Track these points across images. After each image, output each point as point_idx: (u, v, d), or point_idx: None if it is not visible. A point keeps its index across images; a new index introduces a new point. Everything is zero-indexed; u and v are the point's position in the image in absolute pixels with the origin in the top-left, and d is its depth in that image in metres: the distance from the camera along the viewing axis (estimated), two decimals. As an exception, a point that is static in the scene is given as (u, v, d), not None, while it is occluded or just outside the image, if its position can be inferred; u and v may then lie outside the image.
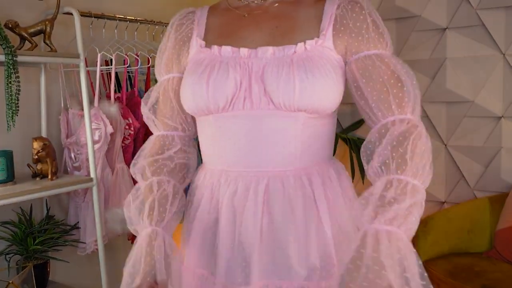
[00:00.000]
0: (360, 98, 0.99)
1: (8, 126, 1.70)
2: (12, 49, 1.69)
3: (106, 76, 2.29)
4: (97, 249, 2.05)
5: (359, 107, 1.00)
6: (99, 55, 2.07)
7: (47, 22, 1.87)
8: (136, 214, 1.00)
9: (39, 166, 1.90)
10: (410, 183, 0.88)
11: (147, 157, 1.08)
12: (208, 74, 0.98)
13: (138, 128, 2.19)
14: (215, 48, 1.03)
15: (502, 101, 2.75)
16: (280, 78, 0.94)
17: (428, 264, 2.52)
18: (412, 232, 0.85)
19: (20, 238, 1.88)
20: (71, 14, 1.95)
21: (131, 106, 2.20)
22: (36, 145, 1.85)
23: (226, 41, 1.04)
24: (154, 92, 1.13)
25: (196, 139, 1.14)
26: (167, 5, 2.69)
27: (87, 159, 2.01)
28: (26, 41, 1.83)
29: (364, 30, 1.00)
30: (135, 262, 0.93)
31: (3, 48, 1.67)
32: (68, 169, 2.11)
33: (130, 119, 2.15)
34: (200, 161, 1.14)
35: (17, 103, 1.72)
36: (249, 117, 0.97)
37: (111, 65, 2.14)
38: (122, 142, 2.15)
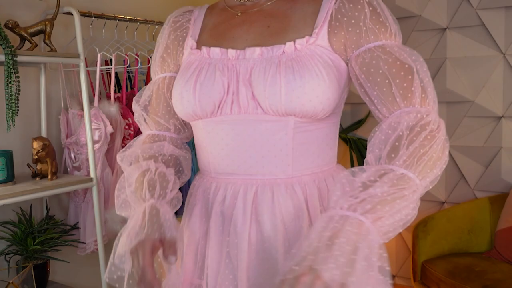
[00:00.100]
0: (364, 96, 0.92)
1: (8, 126, 1.70)
2: (12, 49, 1.68)
3: (106, 76, 2.29)
4: (97, 249, 2.05)
5: (369, 106, 0.93)
6: (99, 55, 2.07)
7: (47, 22, 1.87)
8: (133, 196, 0.95)
9: (39, 166, 1.90)
10: (397, 172, 0.78)
11: (139, 145, 1.03)
12: (195, 78, 0.94)
13: (138, 128, 2.19)
14: (204, 49, 0.99)
15: (502, 101, 2.75)
16: (267, 81, 0.89)
17: (428, 264, 2.52)
18: (386, 224, 0.74)
19: (20, 238, 1.88)
20: (71, 14, 1.95)
21: (131, 106, 2.19)
22: (36, 145, 1.85)
23: (217, 41, 0.99)
24: (147, 91, 1.09)
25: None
26: (167, 5, 2.69)
27: (87, 159, 2.00)
28: (26, 41, 1.82)
29: (361, 22, 0.92)
30: (136, 225, 0.87)
31: (3, 48, 1.67)
32: (68, 169, 2.11)
33: (130, 119, 2.15)
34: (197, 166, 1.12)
35: (17, 103, 1.72)
36: (237, 121, 0.93)
37: (111, 65, 2.14)
38: (122, 142, 2.15)
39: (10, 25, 1.77)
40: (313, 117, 0.91)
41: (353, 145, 3.04)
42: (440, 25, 2.87)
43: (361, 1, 0.93)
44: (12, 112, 1.70)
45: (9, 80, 1.68)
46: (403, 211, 0.76)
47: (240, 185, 0.95)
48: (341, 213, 0.73)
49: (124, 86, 2.25)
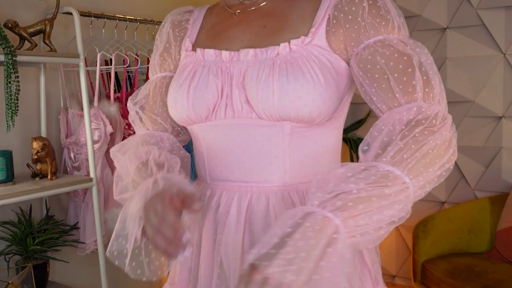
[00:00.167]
0: (364, 95, 0.86)
1: (7, 126, 1.70)
2: (12, 49, 1.68)
3: (105, 76, 2.29)
4: (96, 249, 2.05)
5: (369, 105, 0.87)
6: (98, 55, 2.07)
7: (46, 22, 1.87)
8: (137, 176, 0.90)
9: (38, 166, 1.89)
10: (380, 169, 0.72)
11: (137, 137, 0.99)
12: (189, 82, 0.91)
13: (138, 128, 2.19)
14: (199, 51, 0.95)
15: (503, 101, 2.75)
16: (259, 84, 0.84)
17: (428, 264, 2.52)
18: (361, 224, 0.67)
19: (20, 238, 1.88)
20: (71, 14, 1.95)
21: (131, 106, 2.19)
22: (36, 145, 1.85)
23: (213, 43, 0.96)
24: (143, 90, 1.06)
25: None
26: (167, 5, 2.69)
27: (87, 159, 2.00)
28: (26, 41, 1.82)
29: (360, 17, 0.86)
30: (146, 191, 0.82)
31: (3, 48, 1.67)
32: (68, 169, 2.11)
33: (130, 119, 2.15)
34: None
35: (17, 103, 1.72)
36: (232, 126, 0.88)
37: (111, 65, 2.14)
38: (122, 142, 2.15)
39: (9, 25, 1.76)
40: (309, 122, 0.85)
41: (353, 145, 3.04)
42: (440, 25, 2.87)
43: None
44: (11, 112, 1.70)
45: (9, 80, 1.68)
46: (384, 211, 0.69)
47: (234, 192, 0.91)
48: (307, 209, 0.67)
49: (124, 86, 2.25)
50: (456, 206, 2.75)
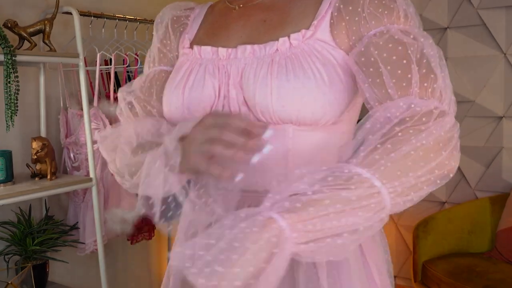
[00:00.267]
0: (362, 94, 0.78)
1: (7, 126, 1.70)
2: (11, 48, 1.68)
3: (105, 75, 2.28)
4: (96, 249, 2.04)
5: (366, 104, 0.79)
6: (98, 54, 2.06)
7: (46, 22, 1.86)
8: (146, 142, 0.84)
9: (38, 166, 1.89)
10: (345, 170, 0.62)
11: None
12: (184, 83, 0.86)
13: (138, 128, 2.18)
14: (196, 49, 0.89)
15: (503, 101, 2.75)
16: (257, 83, 0.78)
17: (428, 265, 2.52)
18: (309, 230, 0.58)
19: (19, 239, 1.87)
20: (70, 13, 1.95)
21: (130, 106, 2.19)
22: (35, 145, 1.84)
23: (211, 39, 0.89)
24: (138, 81, 0.98)
25: None
26: (167, 5, 2.68)
27: (87, 159, 2.00)
28: (25, 40, 1.82)
29: (360, 8, 0.78)
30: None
31: (2, 48, 1.67)
32: (68, 169, 2.11)
33: (129, 119, 2.15)
34: None
35: (16, 103, 1.71)
36: None
37: (111, 64, 2.13)
38: (122, 142, 2.14)
39: (9, 25, 1.76)
40: (313, 124, 0.77)
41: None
42: (440, 25, 2.86)
43: None
44: (11, 112, 1.70)
45: (8, 80, 1.68)
46: (342, 218, 0.59)
47: (230, 200, 0.82)
48: (252, 210, 0.60)
49: (124, 86, 2.24)
50: (457, 206, 2.75)
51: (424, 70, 0.72)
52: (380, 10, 0.77)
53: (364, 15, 0.77)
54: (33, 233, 1.89)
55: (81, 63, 1.95)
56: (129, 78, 2.33)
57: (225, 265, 0.54)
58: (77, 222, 2.09)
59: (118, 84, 2.31)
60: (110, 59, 2.14)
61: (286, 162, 0.80)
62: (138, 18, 2.32)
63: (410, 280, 2.86)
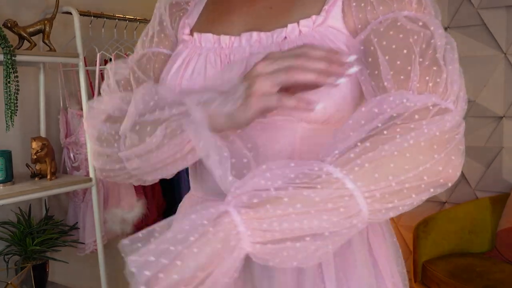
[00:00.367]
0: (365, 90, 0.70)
1: (7, 126, 1.70)
2: (11, 48, 1.68)
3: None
4: (96, 249, 2.04)
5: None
6: (98, 54, 2.06)
7: (46, 22, 1.86)
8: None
9: (38, 166, 1.89)
10: (315, 168, 0.55)
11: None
12: (182, 73, 0.77)
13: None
14: (196, 36, 0.80)
15: (504, 101, 2.74)
16: None
17: (429, 265, 2.51)
18: (264, 229, 0.53)
19: (19, 239, 1.87)
20: (70, 13, 1.95)
21: (130, 106, 2.19)
22: (35, 145, 1.84)
23: (212, 26, 0.81)
24: (132, 59, 0.87)
25: None
26: (167, 4, 2.68)
27: (86, 159, 2.00)
28: (25, 40, 1.82)
29: None
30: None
31: (2, 48, 1.66)
32: (67, 169, 2.10)
33: (129, 119, 2.15)
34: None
35: (16, 103, 1.71)
36: None
37: (111, 64, 2.13)
38: (122, 142, 2.14)
39: (9, 25, 1.76)
40: (325, 122, 0.70)
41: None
42: (440, 25, 2.86)
43: None
44: (11, 112, 1.70)
45: (8, 79, 1.68)
46: (304, 220, 0.53)
47: None
48: (210, 204, 0.55)
49: (124, 86, 2.24)
50: (457, 206, 2.74)
51: (427, 62, 0.63)
52: None
53: (371, 0, 0.69)
54: (33, 233, 1.89)
55: (81, 63, 1.95)
56: (129, 78, 2.32)
57: (167, 256, 0.50)
58: (77, 222, 2.09)
59: (118, 84, 2.31)
60: (110, 59, 2.14)
61: None
62: (138, 18, 2.32)
63: (410, 280, 2.86)
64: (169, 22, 0.88)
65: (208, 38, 0.79)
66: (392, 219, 0.72)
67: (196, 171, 0.82)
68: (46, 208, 2.07)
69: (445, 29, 2.82)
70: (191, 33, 0.83)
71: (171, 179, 2.29)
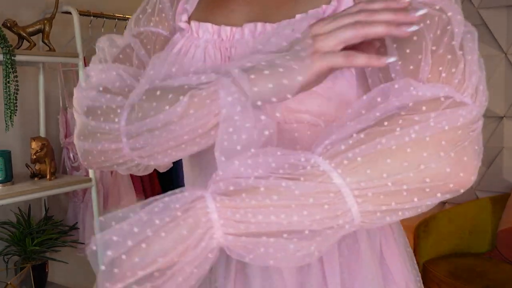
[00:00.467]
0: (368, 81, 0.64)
1: (6, 126, 1.69)
2: (10, 48, 1.68)
3: (105, 75, 2.28)
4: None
5: None
6: (98, 54, 2.06)
7: (45, 21, 1.86)
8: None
9: (37, 166, 1.89)
10: (301, 159, 0.50)
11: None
12: None
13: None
14: (193, 25, 0.72)
15: (504, 101, 2.74)
16: None
17: (429, 265, 2.51)
18: (237, 220, 0.48)
19: (19, 239, 1.87)
20: (70, 13, 1.95)
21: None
22: (35, 145, 1.84)
23: (211, 15, 0.73)
24: (116, 47, 0.74)
25: None
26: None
27: (86, 159, 1.99)
28: (25, 40, 1.82)
29: None
30: None
31: (1, 48, 1.66)
32: (67, 169, 2.10)
33: (129, 119, 2.15)
34: None
35: (16, 103, 1.71)
36: None
37: (110, 64, 2.13)
38: (122, 142, 2.14)
39: (8, 24, 1.76)
40: (335, 121, 0.61)
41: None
42: (441, 25, 2.87)
43: None
44: (10, 112, 1.70)
45: (8, 79, 1.68)
46: (282, 215, 0.48)
47: None
48: (189, 190, 0.51)
49: (124, 86, 2.24)
50: (457, 206, 2.74)
51: (441, 51, 0.55)
52: None
53: None
54: (32, 233, 1.89)
55: (81, 63, 1.94)
56: (129, 78, 2.32)
57: (133, 238, 0.47)
58: (77, 222, 2.09)
59: (117, 84, 2.31)
60: (110, 59, 2.14)
61: None
62: (138, 17, 2.31)
63: (410, 280, 2.86)
64: (168, 6, 0.79)
65: (207, 29, 0.71)
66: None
67: (188, 167, 0.76)
68: (45, 208, 2.07)
69: (446, 29, 2.83)
70: (189, 21, 0.74)
71: (171, 179, 2.29)
